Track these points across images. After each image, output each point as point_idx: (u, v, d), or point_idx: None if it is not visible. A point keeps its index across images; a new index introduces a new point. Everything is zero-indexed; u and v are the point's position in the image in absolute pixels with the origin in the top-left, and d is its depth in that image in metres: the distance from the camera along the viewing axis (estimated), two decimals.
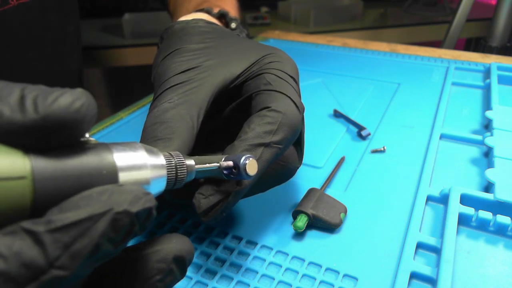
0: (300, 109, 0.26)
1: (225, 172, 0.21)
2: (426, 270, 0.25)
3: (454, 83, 0.51)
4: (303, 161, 0.36)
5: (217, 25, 0.34)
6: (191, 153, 0.24)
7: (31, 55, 0.45)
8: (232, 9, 0.43)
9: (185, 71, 0.27)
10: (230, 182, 0.23)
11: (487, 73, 0.52)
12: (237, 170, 0.21)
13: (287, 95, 0.25)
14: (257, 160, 0.22)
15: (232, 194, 0.23)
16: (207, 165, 0.21)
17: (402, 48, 0.64)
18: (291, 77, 0.27)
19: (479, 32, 1.22)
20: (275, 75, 0.27)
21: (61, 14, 0.49)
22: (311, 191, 0.30)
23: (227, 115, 0.30)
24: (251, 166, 0.21)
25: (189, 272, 0.26)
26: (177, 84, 0.26)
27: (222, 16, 0.39)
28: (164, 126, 0.24)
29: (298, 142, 0.28)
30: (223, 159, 0.22)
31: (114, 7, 1.22)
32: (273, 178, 0.27)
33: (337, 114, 0.44)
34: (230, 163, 0.21)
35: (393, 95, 0.49)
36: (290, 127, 0.24)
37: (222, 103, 0.29)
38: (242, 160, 0.21)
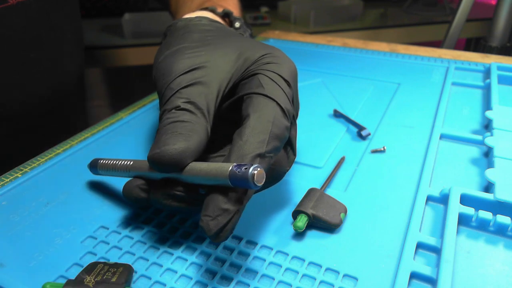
0: (288, 116, 0.26)
1: (232, 180, 0.22)
2: (426, 270, 0.25)
3: (454, 83, 0.51)
4: (303, 161, 0.36)
5: (220, 23, 0.34)
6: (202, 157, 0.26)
7: (33, 55, 0.45)
8: (235, 9, 0.43)
9: (190, 70, 0.28)
10: (233, 195, 0.23)
11: (487, 73, 0.52)
12: (245, 179, 0.21)
13: (276, 101, 0.25)
14: None
15: (240, 209, 0.23)
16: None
17: (402, 48, 0.64)
18: (286, 80, 0.27)
19: (479, 32, 1.22)
20: (269, 77, 0.27)
21: (61, 14, 0.49)
22: (311, 191, 0.30)
23: (221, 114, 0.30)
24: (259, 176, 0.21)
25: (189, 272, 0.26)
26: (185, 87, 0.27)
27: (226, 15, 0.39)
28: (184, 124, 0.25)
29: (289, 144, 0.28)
30: (230, 167, 0.22)
31: (114, 7, 1.22)
32: None
33: (337, 114, 0.44)
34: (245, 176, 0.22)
35: (393, 95, 0.49)
36: (278, 136, 0.24)
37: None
38: (250, 170, 0.21)
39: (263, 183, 0.22)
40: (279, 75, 0.27)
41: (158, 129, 0.25)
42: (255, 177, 0.21)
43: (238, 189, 0.23)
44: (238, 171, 0.21)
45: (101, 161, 0.30)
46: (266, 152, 0.24)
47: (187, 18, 0.34)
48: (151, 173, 0.26)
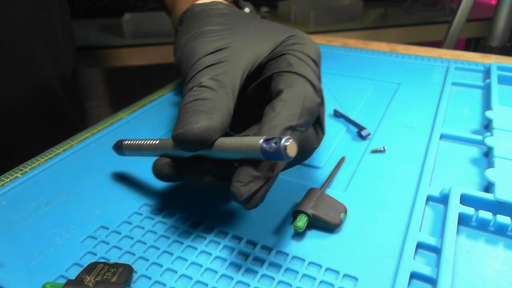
0: (318, 92, 0.26)
1: (263, 153, 0.22)
2: (426, 270, 0.25)
3: (454, 83, 0.51)
4: (304, 161, 0.36)
5: (235, 8, 0.34)
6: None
7: (22, 52, 0.45)
8: None
9: (214, 51, 0.28)
10: (266, 165, 0.23)
11: (487, 73, 0.52)
12: (278, 151, 0.21)
13: (307, 78, 0.26)
14: None
15: (271, 178, 0.23)
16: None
17: (402, 48, 0.64)
18: (313, 60, 0.27)
19: (479, 32, 1.22)
20: (297, 57, 0.27)
21: (50, 10, 0.49)
22: (311, 191, 0.30)
23: (247, 96, 0.30)
24: (292, 147, 0.21)
25: (189, 272, 0.26)
26: (209, 66, 0.27)
27: (235, 1, 0.39)
28: (205, 102, 0.25)
29: (318, 122, 0.28)
30: (261, 140, 0.22)
31: (114, 7, 1.22)
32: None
33: (337, 114, 0.44)
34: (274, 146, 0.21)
35: (393, 95, 0.49)
36: (309, 111, 0.25)
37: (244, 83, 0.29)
38: (282, 142, 0.21)
39: (295, 154, 0.22)
40: (306, 55, 0.27)
41: (180, 107, 0.25)
42: (287, 148, 0.21)
43: (269, 161, 0.23)
44: (269, 144, 0.22)
45: (126, 142, 0.31)
46: (297, 125, 0.24)
47: (202, 3, 0.34)
48: (179, 151, 0.26)
